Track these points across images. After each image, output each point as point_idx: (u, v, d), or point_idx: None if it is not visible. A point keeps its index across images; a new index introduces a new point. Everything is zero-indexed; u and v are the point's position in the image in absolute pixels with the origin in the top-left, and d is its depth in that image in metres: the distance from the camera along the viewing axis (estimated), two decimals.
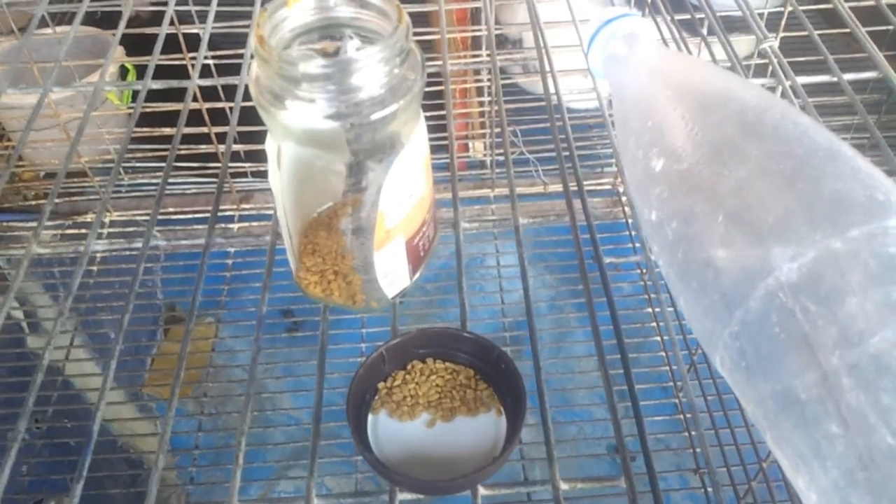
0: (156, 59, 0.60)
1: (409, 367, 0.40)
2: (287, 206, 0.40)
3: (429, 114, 0.42)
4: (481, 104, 1.10)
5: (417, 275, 0.44)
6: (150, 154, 1.07)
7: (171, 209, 1.07)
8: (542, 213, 1.04)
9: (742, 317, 0.32)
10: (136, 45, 0.82)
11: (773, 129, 0.36)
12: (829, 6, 0.63)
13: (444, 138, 0.54)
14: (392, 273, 0.42)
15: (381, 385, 0.40)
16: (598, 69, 0.51)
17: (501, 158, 1.07)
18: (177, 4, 0.68)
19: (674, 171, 0.39)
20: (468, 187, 1.07)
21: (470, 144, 1.17)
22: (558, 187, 1.07)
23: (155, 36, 0.62)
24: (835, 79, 0.56)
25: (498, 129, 1.05)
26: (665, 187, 0.39)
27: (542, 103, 0.56)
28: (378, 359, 0.39)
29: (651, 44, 0.48)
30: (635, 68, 0.47)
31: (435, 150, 0.45)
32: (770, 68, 0.58)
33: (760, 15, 0.78)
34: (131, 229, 1.02)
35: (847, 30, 0.60)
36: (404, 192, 0.39)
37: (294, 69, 0.35)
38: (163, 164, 0.54)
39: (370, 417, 0.38)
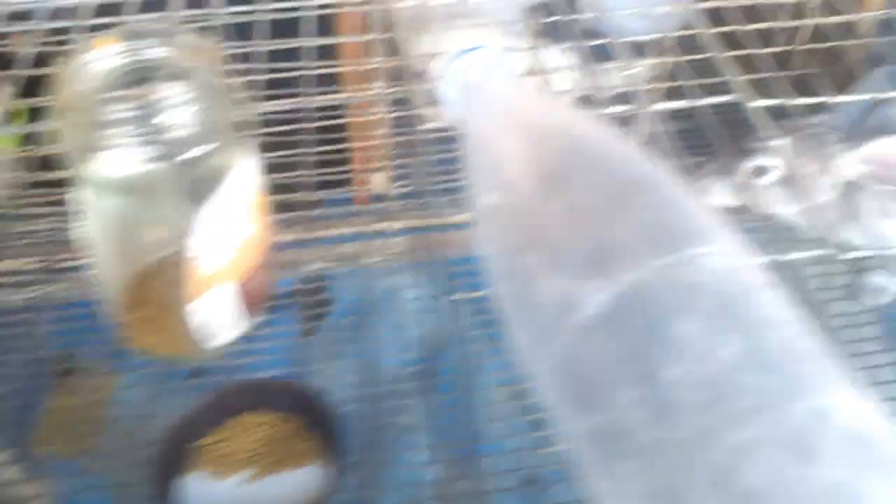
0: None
1: (229, 421, 0.38)
2: (108, 260, 0.39)
3: (329, 147, 0.41)
4: (382, 136, 1.09)
5: (252, 320, 0.42)
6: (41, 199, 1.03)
7: (66, 255, 1.03)
8: (446, 244, 1.03)
9: (556, 352, 0.31)
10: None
11: (593, 161, 0.36)
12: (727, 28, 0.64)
13: (346, 171, 0.52)
14: (221, 320, 0.40)
15: (196, 444, 0.37)
16: (452, 100, 0.50)
17: (405, 190, 1.06)
18: None
19: (507, 204, 0.39)
20: (370, 221, 1.05)
21: (371, 177, 1.15)
22: (465, 217, 1.06)
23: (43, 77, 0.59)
24: (695, 103, 0.57)
25: (400, 161, 1.04)
26: (499, 221, 0.39)
27: (447, 133, 0.56)
28: (189, 418, 0.37)
29: (502, 77, 0.47)
30: (483, 101, 0.47)
31: (337, 183, 0.43)
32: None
33: (663, 38, 0.79)
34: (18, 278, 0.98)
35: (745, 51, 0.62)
36: (229, 233, 0.38)
37: (103, 115, 0.33)
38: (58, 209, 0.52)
39: (182, 480, 0.36)
